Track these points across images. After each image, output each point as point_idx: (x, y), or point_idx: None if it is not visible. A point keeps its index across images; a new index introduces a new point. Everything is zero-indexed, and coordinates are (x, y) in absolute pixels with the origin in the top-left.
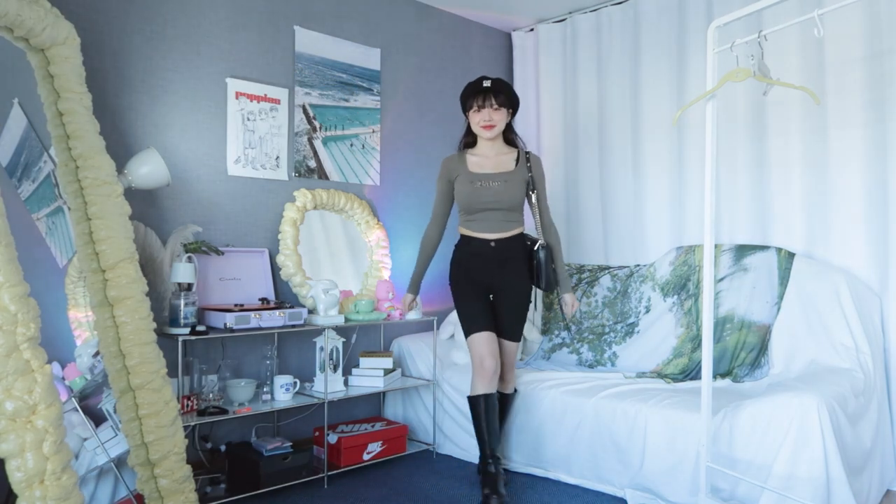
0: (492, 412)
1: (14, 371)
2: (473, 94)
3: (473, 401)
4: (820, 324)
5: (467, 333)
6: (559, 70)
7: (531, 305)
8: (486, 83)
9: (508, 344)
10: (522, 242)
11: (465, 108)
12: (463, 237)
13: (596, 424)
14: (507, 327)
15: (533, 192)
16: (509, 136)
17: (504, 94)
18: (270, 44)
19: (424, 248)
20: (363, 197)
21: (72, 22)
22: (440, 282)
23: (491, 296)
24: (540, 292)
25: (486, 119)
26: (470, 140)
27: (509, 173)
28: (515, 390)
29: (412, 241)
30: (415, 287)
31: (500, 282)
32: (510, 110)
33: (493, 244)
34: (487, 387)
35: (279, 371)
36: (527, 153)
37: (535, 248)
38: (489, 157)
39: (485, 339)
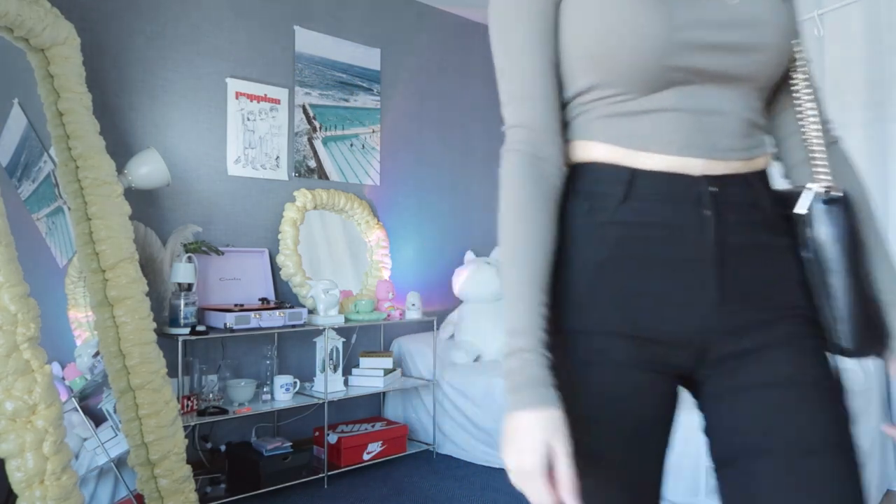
0: None
1: (14, 371)
2: None
3: None
4: None
5: None
6: None
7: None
8: None
9: None
10: (779, 194)
11: None
12: (596, 174)
13: None
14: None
15: (798, 51)
16: None
17: None
18: (270, 44)
19: (532, 214)
20: (363, 197)
21: (72, 22)
22: (441, 280)
23: (699, 374)
24: None
25: None
26: None
27: None
28: None
29: (412, 240)
30: (539, 327)
31: (734, 328)
32: None
33: (714, 191)
34: None
35: (279, 371)
36: None
37: (811, 208)
38: None
39: None
